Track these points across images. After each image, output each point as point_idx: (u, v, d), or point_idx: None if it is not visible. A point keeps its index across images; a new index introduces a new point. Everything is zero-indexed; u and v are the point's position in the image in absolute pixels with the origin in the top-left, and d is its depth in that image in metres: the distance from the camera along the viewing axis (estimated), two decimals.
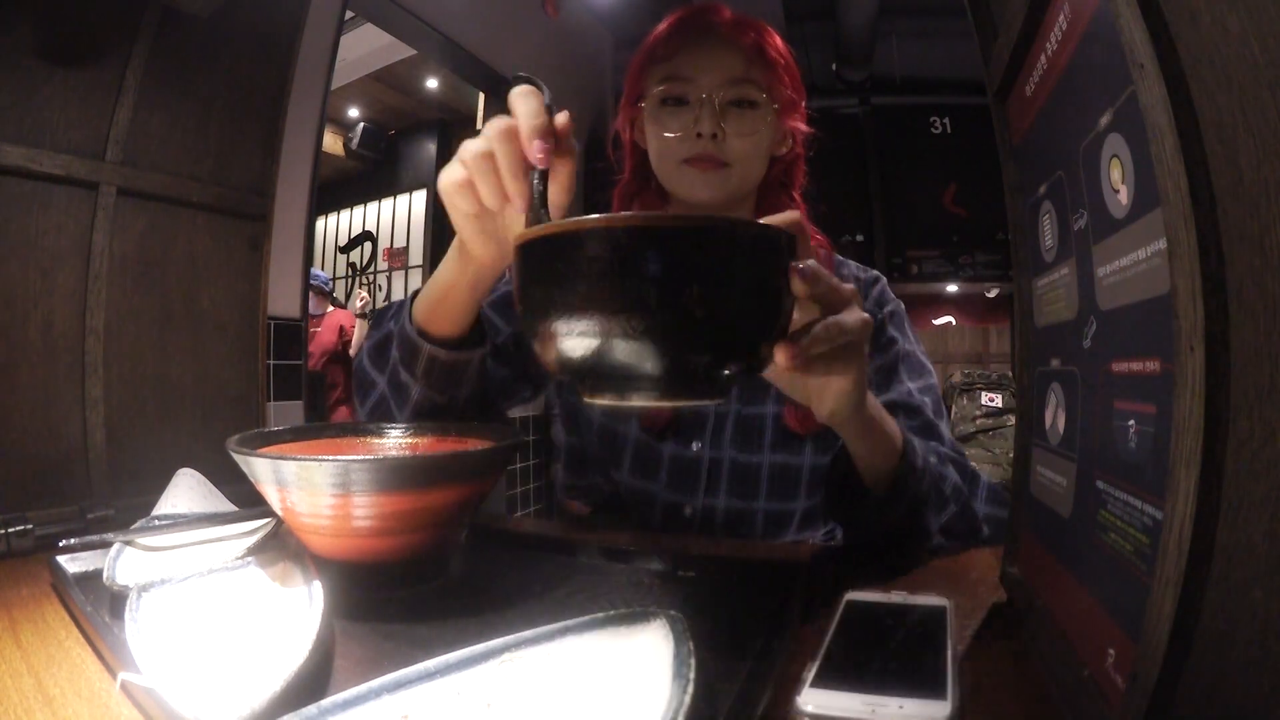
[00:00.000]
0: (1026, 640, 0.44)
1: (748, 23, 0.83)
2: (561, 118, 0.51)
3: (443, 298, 0.64)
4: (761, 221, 0.41)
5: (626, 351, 0.36)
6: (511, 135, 0.50)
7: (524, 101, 0.50)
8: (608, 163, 0.92)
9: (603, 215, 0.36)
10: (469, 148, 0.52)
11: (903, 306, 0.91)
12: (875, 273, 0.94)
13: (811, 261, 0.41)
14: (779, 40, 0.84)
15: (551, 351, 0.38)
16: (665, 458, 0.83)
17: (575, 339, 0.36)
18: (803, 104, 0.87)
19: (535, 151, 0.49)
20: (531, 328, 0.39)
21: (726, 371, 0.39)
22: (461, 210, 0.55)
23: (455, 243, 0.61)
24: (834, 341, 0.44)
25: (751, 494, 0.82)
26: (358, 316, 4.25)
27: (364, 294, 4.56)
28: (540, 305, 0.38)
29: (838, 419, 0.53)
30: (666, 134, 0.81)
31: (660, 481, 0.83)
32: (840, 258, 0.93)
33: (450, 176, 0.54)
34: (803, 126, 0.88)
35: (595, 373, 0.38)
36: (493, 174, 0.51)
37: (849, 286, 0.46)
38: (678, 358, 0.36)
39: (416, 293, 0.68)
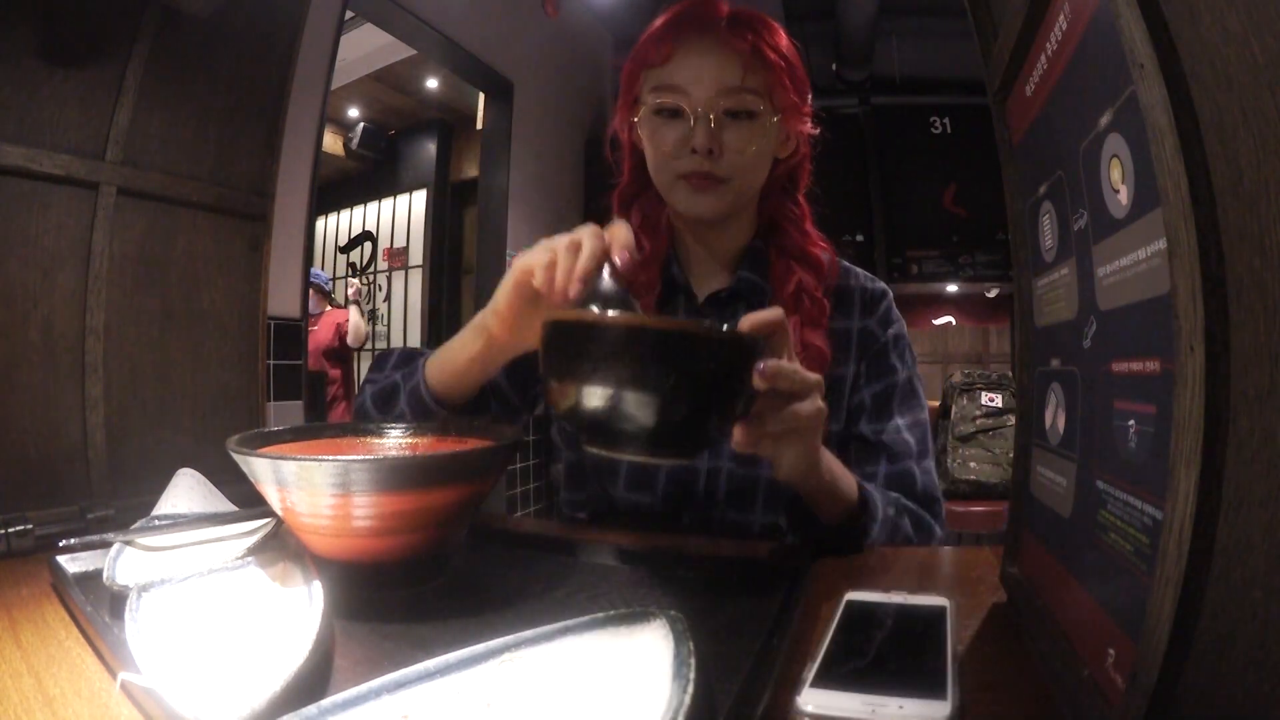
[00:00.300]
0: (1026, 640, 0.44)
1: (746, 20, 0.78)
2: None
3: (460, 372, 0.70)
4: (741, 323, 0.52)
5: (620, 415, 0.46)
6: (600, 236, 0.58)
7: (623, 228, 0.59)
8: (607, 165, 0.91)
9: (615, 314, 0.49)
10: (560, 237, 0.58)
11: (905, 326, 0.90)
12: (883, 286, 0.92)
13: (773, 361, 0.51)
14: (781, 38, 0.80)
15: (564, 407, 0.49)
16: (663, 467, 0.83)
17: (583, 401, 0.47)
18: (807, 105, 0.84)
19: (620, 258, 0.57)
20: (551, 387, 0.50)
21: (697, 438, 0.50)
22: (526, 286, 0.59)
23: (478, 322, 0.66)
24: (788, 425, 0.54)
25: (748, 506, 0.82)
26: (350, 303, 4.26)
27: (355, 282, 4.55)
28: (559, 371, 0.48)
29: (792, 481, 0.62)
30: (661, 149, 0.79)
31: (657, 493, 0.82)
32: (848, 265, 0.91)
33: (537, 257, 0.58)
34: (807, 128, 0.85)
35: (595, 428, 0.48)
36: (574, 260, 0.56)
37: (813, 377, 0.55)
38: (658, 425, 0.46)
39: (425, 355, 0.75)
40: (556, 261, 0.57)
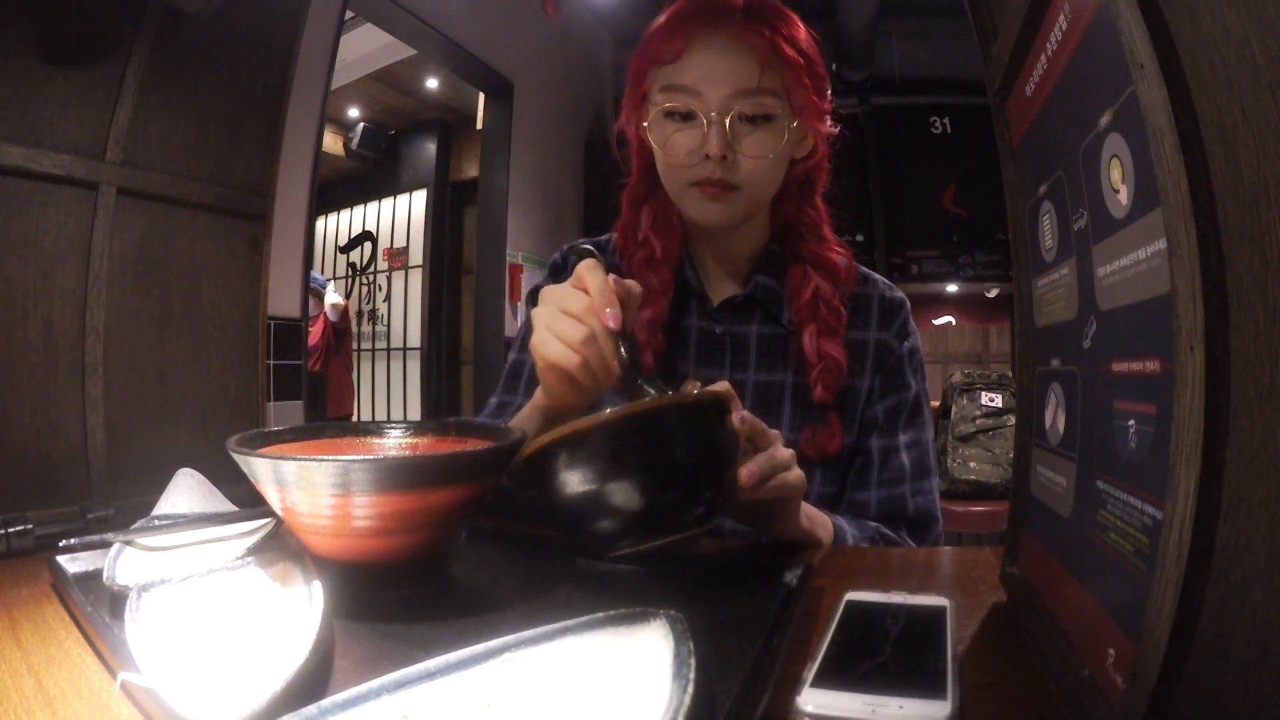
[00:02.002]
0: (1026, 640, 0.44)
1: (763, 12, 0.73)
2: (631, 284, 0.60)
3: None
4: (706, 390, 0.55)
5: (631, 507, 0.48)
6: (596, 312, 0.58)
7: (593, 276, 0.59)
8: (614, 163, 0.89)
9: (589, 419, 0.48)
10: (574, 333, 0.58)
11: (920, 338, 0.88)
12: (901, 296, 0.88)
13: (744, 411, 0.57)
14: (799, 30, 0.76)
15: (576, 521, 0.50)
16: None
17: (592, 512, 0.48)
18: (826, 103, 0.80)
19: (610, 319, 0.58)
20: (558, 512, 0.51)
21: (711, 500, 0.51)
22: (557, 369, 0.60)
23: (537, 404, 0.66)
24: (773, 466, 0.57)
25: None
26: (331, 304, 4.35)
27: (339, 300, 4.63)
28: (559, 492, 0.49)
29: (773, 534, 0.65)
30: (673, 156, 0.76)
31: None
32: (866, 271, 0.89)
33: (568, 360, 0.59)
34: (825, 127, 0.81)
35: (609, 533, 0.49)
36: (601, 357, 0.59)
37: (774, 431, 0.60)
38: (675, 500, 0.49)
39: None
40: (588, 362, 0.59)
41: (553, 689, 0.35)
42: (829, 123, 0.81)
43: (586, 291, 0.59)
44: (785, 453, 0.60)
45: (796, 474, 0.61)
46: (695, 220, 0.79)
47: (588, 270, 0.59)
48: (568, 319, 0.59)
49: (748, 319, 0.84)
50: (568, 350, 0.59)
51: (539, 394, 0.67)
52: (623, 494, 0.48)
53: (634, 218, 0.86)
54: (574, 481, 0.48)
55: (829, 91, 0.80)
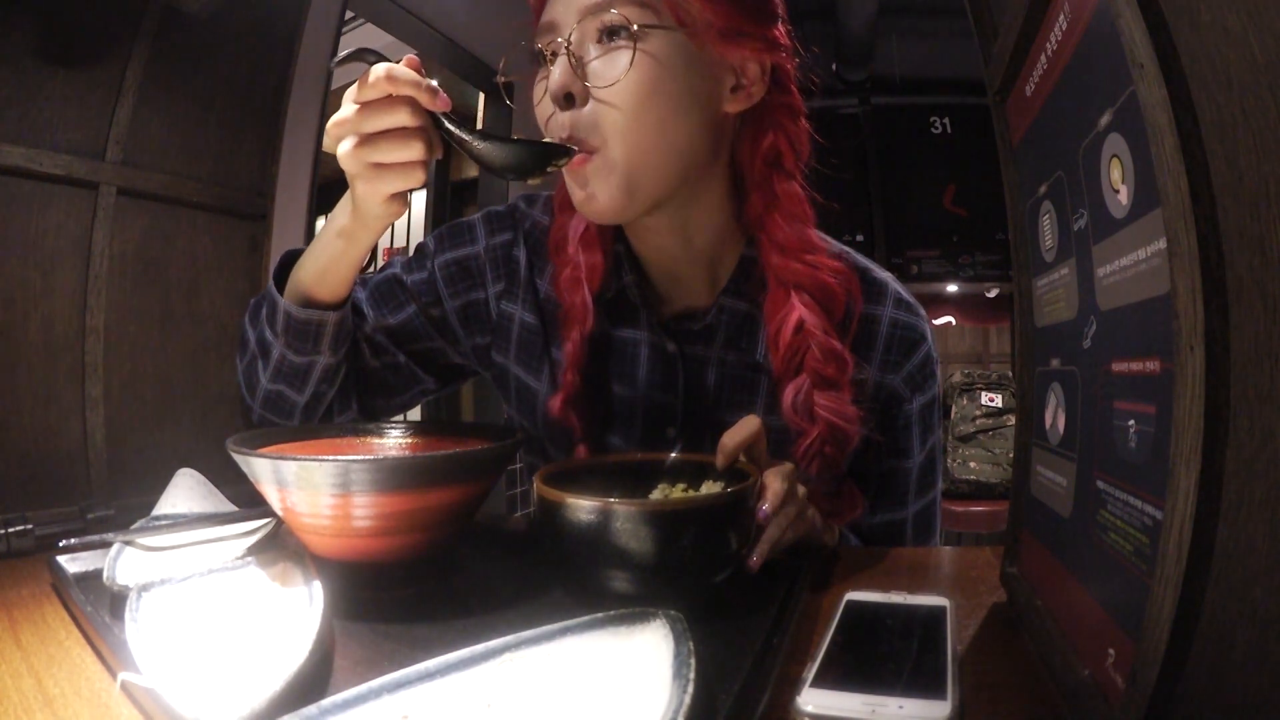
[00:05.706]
0: (1026, 640, 0.44)
1: None
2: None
3: (328, 270, 0.62)
4: (722, 441, 0.53)
5: (641, 582, 0.48)
6: (420, 107, 0.51)
7: (396, 71, 0.50)
8: None
9: (618, 500, 0.47)
10: (412, 150, 0.52)
11: (939, 385, 0.71)
12: (922, 328, 0.69)
13: (767, 506, 0.52)
14: None
15: (579, 572, 0.51)
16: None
17: (599, 571, 0.48)
18: (771, 27, 0.59)
19: (442, 103, 0.51)
20: (575, 565, 0.51)
21: (719, 572, 0.50)
22: (393, 190, 0.54)
23: (346, 219, 0.58)
24: (778, 538, 0.53)
25: None
26: None
27: None
28: (572, 548, 0.48)
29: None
30: (539, 114, 0.59)
31: None
32: (876, 280, 0.69)
33: (418, 178, 0.53)
34: (772, 57, 0.60)
35: (612, 592, 0.48)
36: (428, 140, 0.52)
37: (794, 508, 0.55)
38: (685, 582, 0.49)
39: (294, 252, 0.67)
40: (420, 159, 0.52)
41: (553, 689, 0.35)
42: (782, 56, 0.61)
43: (388, 94, 0.50)
44: (793, 508, 0.55)
45: (805, 524, 0.57)
46: (582, 214, 0.61)
47: (388, 69, 0.49)
48: (393, 138, 0.51)
49: (709, 341, 0.68)
50: (414, 169, 0.52)
51: (349, 220, 0.57)
52: (641, 572, 0.47)
53: (563, 226, 0.70)
54: (609, 547, 0.47)
55: (769, 18, 0.61)
